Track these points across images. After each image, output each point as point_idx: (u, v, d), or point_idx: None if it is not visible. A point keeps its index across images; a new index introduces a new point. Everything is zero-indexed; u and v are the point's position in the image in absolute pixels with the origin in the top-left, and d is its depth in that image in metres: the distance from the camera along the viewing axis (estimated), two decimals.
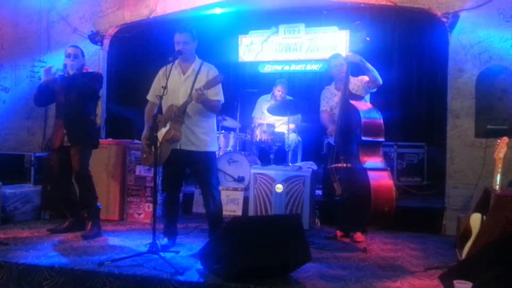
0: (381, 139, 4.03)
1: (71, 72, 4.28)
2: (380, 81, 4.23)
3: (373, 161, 3.93)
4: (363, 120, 3.91)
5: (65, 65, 4.29)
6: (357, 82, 4.37)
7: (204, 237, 4.22)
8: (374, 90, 4.37)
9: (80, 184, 4.35)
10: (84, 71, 4.48)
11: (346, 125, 4.15)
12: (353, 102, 4.08)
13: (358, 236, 4.28)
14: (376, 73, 4.21)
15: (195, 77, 3.86)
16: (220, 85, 3.85)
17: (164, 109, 3.89)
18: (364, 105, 4.11)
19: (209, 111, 3.89)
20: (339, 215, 4.42)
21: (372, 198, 3.70)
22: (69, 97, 4.30)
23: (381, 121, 4.03)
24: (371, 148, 3.99)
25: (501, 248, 2.67)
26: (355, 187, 3.99)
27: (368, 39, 4.14)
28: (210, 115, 3.96)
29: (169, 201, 4.02)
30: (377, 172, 3.87)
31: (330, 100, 4.51)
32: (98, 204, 4.47)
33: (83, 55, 4.51)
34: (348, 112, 4.11)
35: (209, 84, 3.68)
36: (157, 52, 6.86)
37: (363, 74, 4.29)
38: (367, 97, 4.40)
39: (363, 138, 3.91)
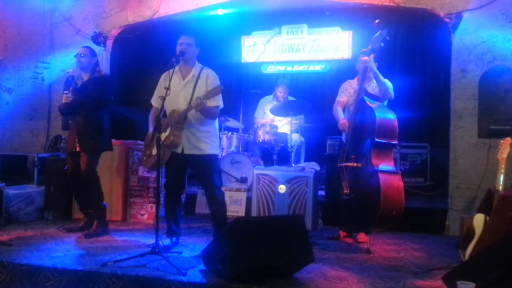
0: (395, 141, 4.01)
1: (82, 78, 4.32)
2: (390, 94, 4.23)
3: (385, 164, 3.92)
4: (378, 120, 3.89)
5: (72, 77, 4.38)
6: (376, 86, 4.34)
7: (207, 237, 4.22)
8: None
9: (86, 185, 4.40)
10: (97, 74, 4.47)
11: (360, 125, 4.13)
12: (368, 102, 4.05)
13: (362, 236, 4.27)
14: (388, 86, 4.21)
15: (195, 83, 3.88)
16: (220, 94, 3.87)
17: (167, 112, 3.91)
18: (379, 106, 4.07)
19: (208, 119, 3.89)
20: (343, 215, 4.38)
21: (382, 201, 3.70)
22: (81, 106, 4.33)
23: (396, 123, 3.99)
24: (384, 150, 3.97)
25: (504, 249, 2.67)
26: (365, 188, 3.97)
27: (388, 38, 4.13)
28: (211, 120, 3.97)
29: (170, 202, 4.03)
30: (389, 175, 3.86)
31: (350, 95, 4.45)
32: (104, 203, 4.53)
33: (92, 55, 4.46)
34: (363, 112, 4.09)
35: (209, 95, 3.69)
36: (160, 53, 6.88)
37: (377, 81, 4.26)
38: (385, 102, 4.34)
39: (377, 139, 3.89)
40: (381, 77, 4.22)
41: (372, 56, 4.22)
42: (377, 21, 4.17)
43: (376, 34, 4.17)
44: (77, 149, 4.38)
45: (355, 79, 4.51)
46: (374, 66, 4.20)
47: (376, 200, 3.73)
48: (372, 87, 4.35)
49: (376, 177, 3.79)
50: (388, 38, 4.16)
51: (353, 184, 4.12)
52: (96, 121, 4.39)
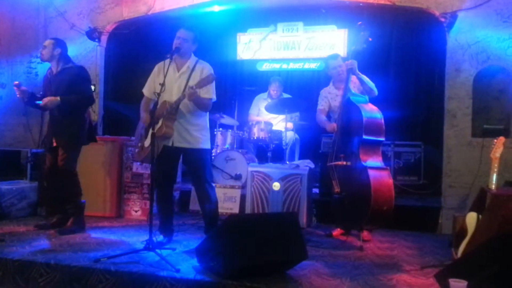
0: (382, 138, 4.07)
1: (52, 70, 4.22)
2: (376, 92, 4.31)
3: (373, 160, 3.97)
4: (365, 119, 3.95)
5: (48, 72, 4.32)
6: (357, 82, 4.38)
7: (200, 234, 4.21)
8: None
9: (64, 180, 4.27)
10: (67, 65, 4.29)
11: (347, 124, 4.17)
12: (355, 102, 4.09)
13: (365, 235, 4.24)
14: (371, 85, 4.29)
15: (189, 75, 3.85)
16: (213, 83, 3.83)
17: (159, 103, 3.87)
18: (366, 105, 4.13)
19: (200, 109, 3.87)
20: (337, 213, 4.40)
21: (372, 197, 3.74)
22: (68, 104, 4.17)
23: (382, 120, 4.07)
24: (372, 147, 4.02)
25: (496, 247, 2.69)
26: (354, 185, 4.00)
27: (370, 39, 4.16)
28: (202, 113, 3.95)
29: (162, 198, 4.00)
30: (378, 171, 3.91)
31: (332, 100, 4.53)
32: (83, 200, 4.43)
33: (55, 46, 4.25)
34: (349, 111, 4.14)
35: (202, 83, 3.66)
36: (155, 49, 6.85)
37: (362, 83, 4.31)
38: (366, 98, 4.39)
39: (365, 137, 3.94)
40: (364, 77, 4.28)
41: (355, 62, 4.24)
42: (359, 23, 4.22)
43: (359, 36, 4.20)
44: (54, 144, 4.25)
45: (330, 85, 4.61)
46: (355, 71, 4.22)
47: (366, 196, 3.77)
48: (352, 85, 4.38)
49: (366, 173, 3.84)
50: (370, 39, 4.19)
51: (343, 182, 4.15)
52: (72, 114, 4.22)
